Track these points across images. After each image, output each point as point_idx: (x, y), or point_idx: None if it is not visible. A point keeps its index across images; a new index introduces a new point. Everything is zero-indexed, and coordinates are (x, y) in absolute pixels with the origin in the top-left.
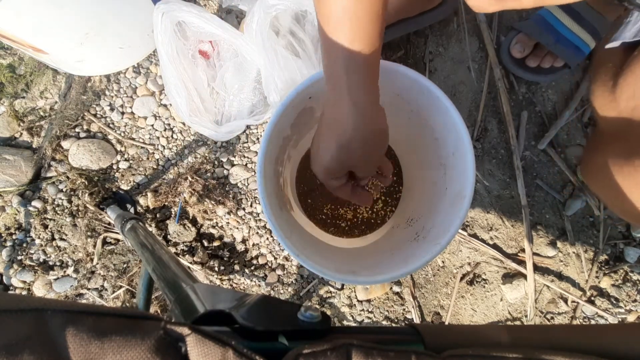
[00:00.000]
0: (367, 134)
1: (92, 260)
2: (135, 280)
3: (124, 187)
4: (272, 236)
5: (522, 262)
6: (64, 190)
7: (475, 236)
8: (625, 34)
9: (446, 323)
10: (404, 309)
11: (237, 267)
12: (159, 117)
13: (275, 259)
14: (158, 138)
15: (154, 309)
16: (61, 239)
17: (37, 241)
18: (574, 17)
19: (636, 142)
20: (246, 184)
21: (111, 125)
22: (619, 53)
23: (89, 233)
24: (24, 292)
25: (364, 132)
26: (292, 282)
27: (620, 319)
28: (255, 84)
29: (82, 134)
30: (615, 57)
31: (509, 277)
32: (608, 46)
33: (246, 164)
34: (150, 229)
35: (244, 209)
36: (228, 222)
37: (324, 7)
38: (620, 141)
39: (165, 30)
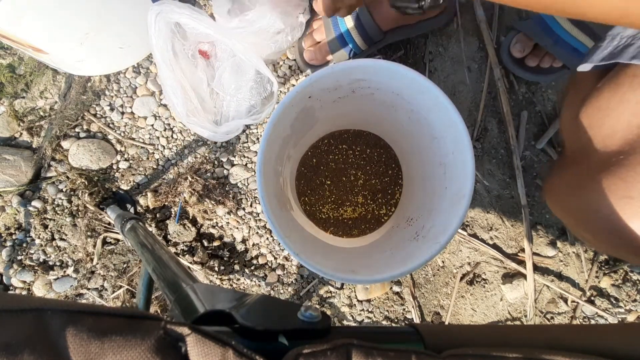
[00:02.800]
0: None
1: (92, 260)
2: (135, 280)
3: (124, 187)
4: (272, 236)
5: (522, 262)
6: (64, 190)
7: (475, 236)
8: (594, 57)
9: (446, 323)
10: (404, 309)
11: (237, 267)
12: (159, 117)
13: (275, 259)
14: (158, 138)
15: (154, 309)
16: (61, 239)
17: (37, 241)
18: (572, 19)
19: (585, 169)
20: (246, 184)
21: (111, 125)
22: (590, 78)
23: (89, 233)
24: (24, 292)
25: None
26: (292, 282)
27: (620, 319)
28: (253, 84)
29: (82, 134)
30: (586, 83)
31: (509, 277)
32: (579, 69)
33: (246, 164)
34: (150, 229)
35: (244, 209)
36: (228, 222)
37: None
38: (575, 167)
39: (160, 32)
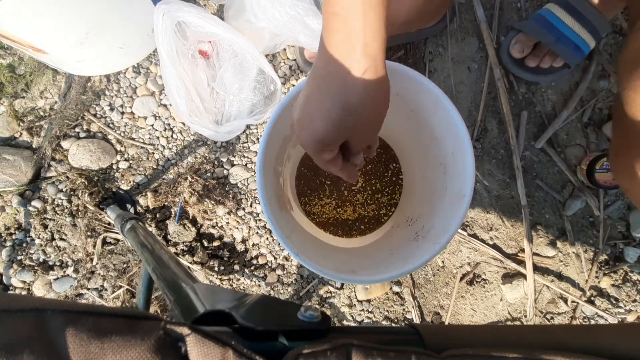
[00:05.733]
0: (379, 93)
1: (92, 260)
2: (135, 280)
3: (124, 187)
4: (272, 236)
5: (521, 262)
6: (64, 190)
7: (475, 236)
8: None
9: (446, 323)
10: (403, 309)
11: (237, 267)
12: (159, 117)
13: (275, 259)
14: (158, 138)
15: (154, 309)
16: (61, 239)
17: (37, 241)
18: (574, 15)
19: None
20: (246, 184)
21: (111, 125)
22: None
23: (88, 233)
24: (24, 292)
25: (376, 91)
26: (292, 282)
27: (620, 319)
28: (255, 84)
29: (82, 134)
30: None
31: (509, 277)
32: None
33: (246, 164)
34: (150, 229)
35: (244, 209)
36: (228, 222)
37: None
38: None
39: (166, 30)
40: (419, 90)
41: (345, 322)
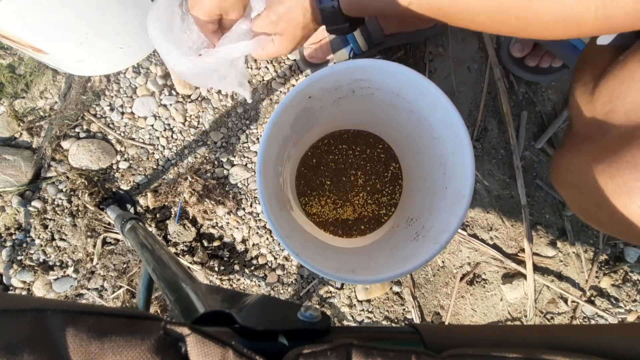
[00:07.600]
0: None
1: (92, 260)
2: (135, 280)
3: (124, 187)
4: (272, 236)
5: (522, 262)
6: (64, 190)
7: (475, 236)
8: None
9: (446, 323)
10: (404, 309)
11: (237, 267)
12: (159, 117)
13: (275, 259)
14: (158, 138)
15: (154, 309)
16: (61, 239)
17: (37, 241)
18: None
19: (604, 146)
20: (246, 184)
21: (111, 125)
22: (607, 54)
23: (88, 233)
24: (24, 292)
25: None
26: (292, 282)
27: (620, 319)
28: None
29: (82, 134)
30: (601, 58)
31: (509, 277)
32: (599, 41)
33: (246, 164)
34: (150, 229)
35: (244, 209)
36: (228, 222)
37: None
38: (591, 143)
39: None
40: (418, 91)
41: (345, 322)
